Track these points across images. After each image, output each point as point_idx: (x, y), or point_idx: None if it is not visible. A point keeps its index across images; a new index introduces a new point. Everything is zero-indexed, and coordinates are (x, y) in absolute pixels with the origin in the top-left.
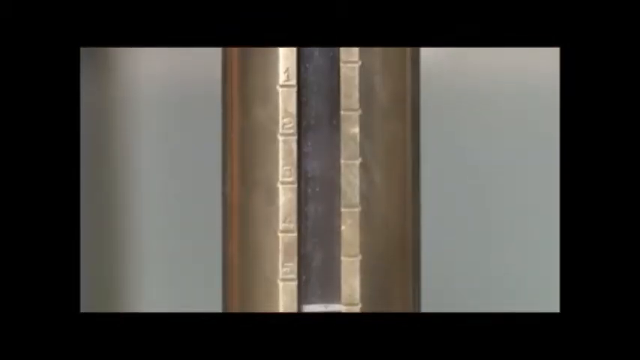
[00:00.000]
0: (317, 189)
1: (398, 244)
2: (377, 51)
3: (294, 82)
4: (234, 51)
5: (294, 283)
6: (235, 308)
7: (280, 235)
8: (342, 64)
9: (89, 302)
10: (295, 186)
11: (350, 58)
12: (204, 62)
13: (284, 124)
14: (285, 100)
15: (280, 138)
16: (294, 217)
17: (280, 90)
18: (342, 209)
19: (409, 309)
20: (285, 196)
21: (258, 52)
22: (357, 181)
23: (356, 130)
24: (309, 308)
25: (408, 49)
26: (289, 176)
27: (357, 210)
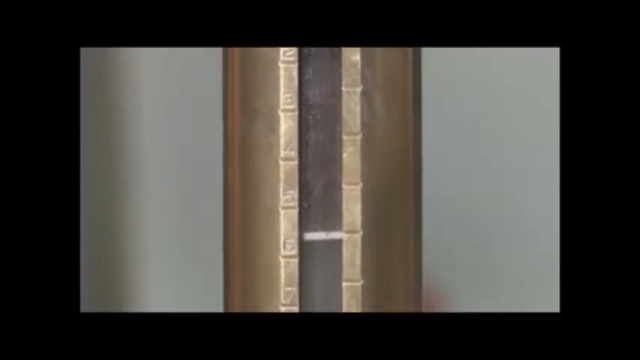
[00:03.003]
0: (318, 116)
1: (399, 171)
2: None
3: None
4: None
5: (296, 211)
6: (237, 235)
7: (281, 162)
8: None
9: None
10: (296, 114)
11: None
12: None
13: (285, 52)
14: None
15: (281, 65)
16: (295, 144)
17: None
18: (343, 137)
19: (410, 236)
20: (286, 124)
21: None
22: (358, 109)
23: (357, 57)
24: (310, 236)
25: None
26: (290, 104)
27: (359, 137)
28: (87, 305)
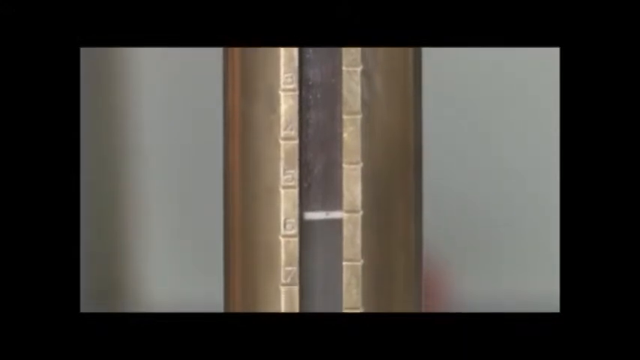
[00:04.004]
0: (318, 96)
1: (400, 151)
2: None
3: None
4: None
5: (296, 191)
6: (237, 214)
7: (282, 142)
8: None
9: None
10: (297, 93)
11: None
12: None
13: None
14: None
15: None
16: (295, 124)
17: None
18: (344, 116)
19: (411, 215)
20: (287, 104)
21: None
22: (358, 88)
23: None
24: (311, 215)
25: None
26: (290, 83)
27: (359, 117)
28: (87, 305)
